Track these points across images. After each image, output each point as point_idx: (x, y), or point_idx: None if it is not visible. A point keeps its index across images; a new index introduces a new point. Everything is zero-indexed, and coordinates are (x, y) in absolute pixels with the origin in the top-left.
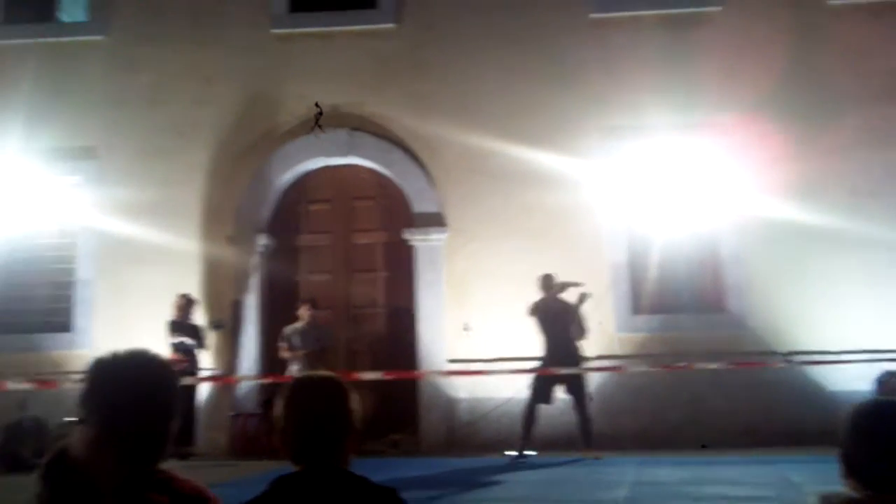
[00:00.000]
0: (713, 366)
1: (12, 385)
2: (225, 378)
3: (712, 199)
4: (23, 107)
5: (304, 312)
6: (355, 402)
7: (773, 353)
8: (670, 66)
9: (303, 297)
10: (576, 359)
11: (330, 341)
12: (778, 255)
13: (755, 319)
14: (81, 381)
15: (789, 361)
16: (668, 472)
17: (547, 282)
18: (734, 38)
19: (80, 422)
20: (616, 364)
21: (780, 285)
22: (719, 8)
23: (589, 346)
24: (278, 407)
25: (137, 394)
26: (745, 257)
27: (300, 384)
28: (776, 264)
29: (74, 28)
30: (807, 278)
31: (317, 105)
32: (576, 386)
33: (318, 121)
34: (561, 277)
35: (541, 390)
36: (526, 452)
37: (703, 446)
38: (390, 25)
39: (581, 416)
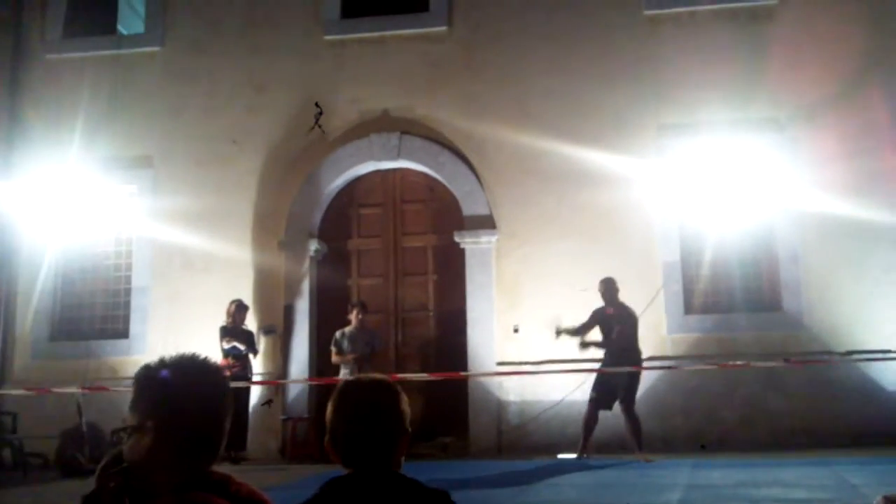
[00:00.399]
0: (771, 364)
1: (63, 389)
2: (274, 381)
3: (768, 196)
4: (82, 118)
5: (354, 316)
6: (406, 404)
7: (831, 353)
8: (727, 62)
9: (353, 301)
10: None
11: (380, 345)
12: (835, 252)
13: (812, 318)
14: (132, 387)
15: (847, 356)
16: (721, 474)
17: (607, 287)
18: (794, 32)
19: (133, 428)
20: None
21: (838, 283)
22: (777, 1)
23: (640, 347)
24: (328, 410)
25: (187, 397)
26: (801, 255)
27: (350, 387)
28: (833, 262)
29: (132, 40)
30: (865, 276)
31: (317, 105)
32: (627, 389)
33: (318, 121)
34: (617, 279)
35: (602, 397)
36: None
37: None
38: (442, 28)
39: (630, 419)
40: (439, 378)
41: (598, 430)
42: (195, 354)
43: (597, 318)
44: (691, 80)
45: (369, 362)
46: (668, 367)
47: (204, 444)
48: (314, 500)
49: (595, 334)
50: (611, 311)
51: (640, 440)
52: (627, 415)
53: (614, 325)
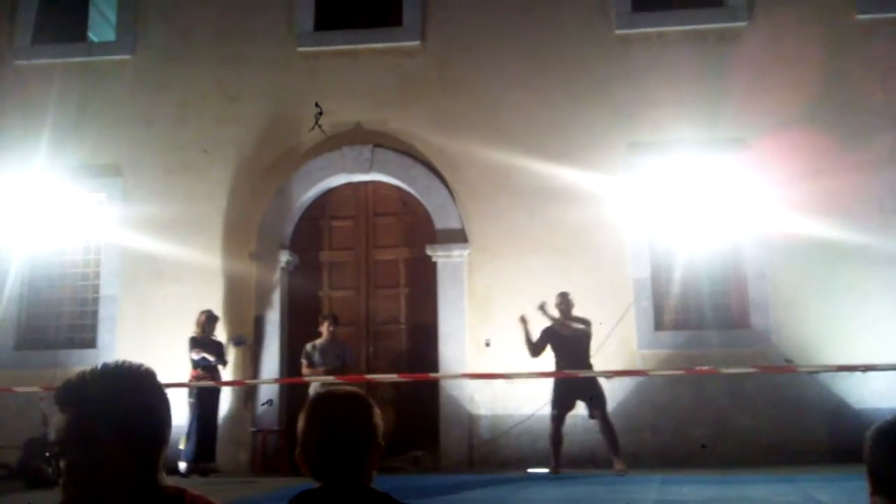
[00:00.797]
0: (739, 370)
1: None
2: (240, 381)
3: (737, 215)
4: (50, 125)
5: (325, 328)
6: (378, 417)
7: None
8: (696, 82)
9: (324, 314)
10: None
11: (351, 358)
12: (803, 271)
13: (779, 336)
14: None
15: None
16: (691, 489)
17: (562, 300)
18: (761, 53)
19: (62, 452)
20: (638, 383)
21: (806, 302)
22: (745, 24)
23: (610, 363)
24: (300, 422)
25: (119, 408)
26: (769, 273)
27: (323, 399)
28: (801, 281)
29: (102, 48)
30: (833, 295)
31: (317, 105)
32: (594, 398)
33: (318, 121)
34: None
35: (563, 412)
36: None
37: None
38: (415, 42)
39: (604, 427)
40: (409, 380)
41: (568, 445)
42: (121, 362)
43: (548, 336)
44: (661, 98)
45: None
46: (634, 373)
47: (146, 456)
48: None
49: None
50: (565, 326)
51: (616, 447)
52: (602, 423)
53: (567, 340)
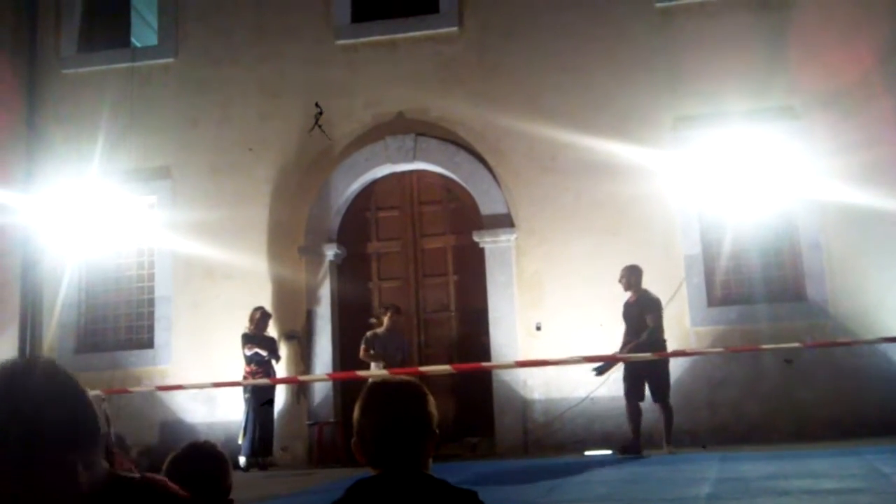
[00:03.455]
0: (794, 345)
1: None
2: (293, 379)
3: (788, 185)
4: (100, 130)
5: (386, 319)
6: (433, 406)
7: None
8: (742, 52)
9: (385, 304)
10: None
11: (407, 351)
12: (857, 240)
13: (836, 307)
14: None
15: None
16: (751, 466)
17: (628, 273)
18: (807, 18)
19: None
20: (693, 360)
21: (861, 271)
22: None
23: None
24: (356, 411)
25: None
26: (822, 243)
27: (378, 388)
28: (855, 250)
29: (145, 52)
30: (888, 263)
31: (317, 105)
32: (657, 379)
33: (318, 121)
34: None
35: (633, 388)
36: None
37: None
38: (453, 28)
39: (663, 410)
40: (463, 370)
41: (625, 425)
42: (13, 361)
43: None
44: (706, 70)
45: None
46: (690, 354)
47: (55, 456)
48: (341, 502)
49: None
50: (633, 299)
51: (670, 433)
52: (662, 406)
53: (635, 313)
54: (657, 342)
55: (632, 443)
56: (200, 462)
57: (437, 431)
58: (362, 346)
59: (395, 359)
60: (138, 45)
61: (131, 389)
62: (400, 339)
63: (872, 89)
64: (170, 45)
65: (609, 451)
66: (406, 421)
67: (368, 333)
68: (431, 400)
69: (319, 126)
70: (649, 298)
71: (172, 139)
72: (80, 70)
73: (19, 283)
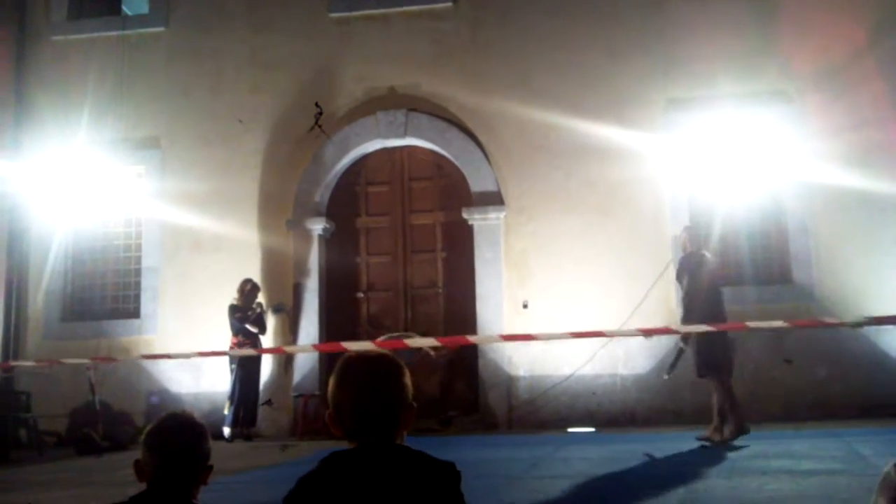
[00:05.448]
0: (780, 323)
1: (72, 360)
2: (280, 349)
3: (778, 169)
4: (89, 98)
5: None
6: (408, 378)
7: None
8: (735, 35)
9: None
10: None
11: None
12: (844, 224)
13: (822, 290)
14: None
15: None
16: (732, 446)
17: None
18: (803, 1)
19: None
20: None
21: (847, 255)
22: None
23: (649, 321)
24: (331, 384)
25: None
26: (810, 227)
27: (352, 361)
28: (843, 233)
29: (137, 21)
30: (875, 247)
31: (317, 105)
32: (700, 355)
33: (318, 121)
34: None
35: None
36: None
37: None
38: (447, 4)
39: (718, 390)
40: (446, 343)
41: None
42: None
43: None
44: (699, 53)
45: None
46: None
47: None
48: (314, 474)
49: None
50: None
51: (724, 418)
52: (714, 384)
53: (684, 275)
54: (699, 312)
55: (738, 426)
56: (177, 431)
57: (414, 404)
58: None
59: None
60: (129, 13)
61: (117, 358)
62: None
63: (865, 72)
64: (161, 13)
65: (592, 429)
66: (381, 394)
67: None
68: (406, 372)
69: (320, 126)
70: (684, 257)
71: (162, 109)
72: (70, 37)
73: (5, 251)
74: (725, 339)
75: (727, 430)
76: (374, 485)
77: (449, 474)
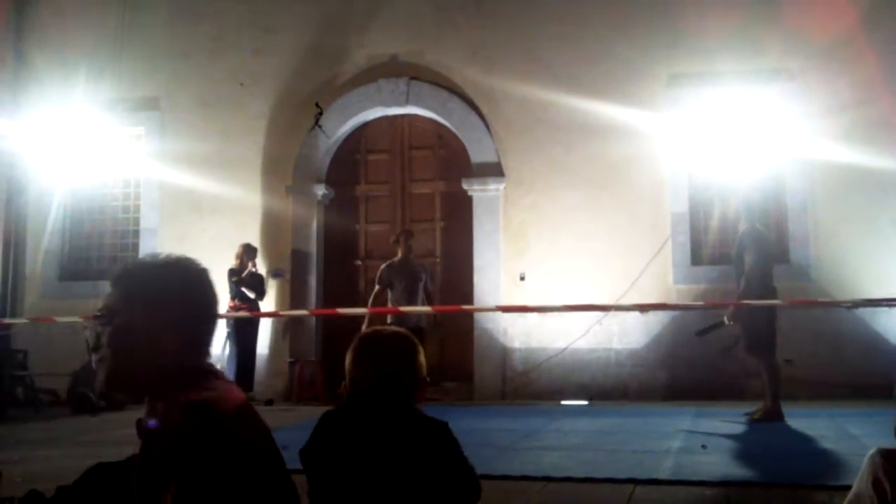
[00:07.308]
0: (776, 302)
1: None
2: (276, 313)
3: (779, 147)
4: (88, 58)
5: (400, 247)
6: (422, 355)
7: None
8: (737, 10)
9: (397, 232)
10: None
11: (430, 281)
12: (844, 204)
13: (819, 271)
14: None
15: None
16: (723, 422)
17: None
18: None
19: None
20: (672, 316)
21: (846, 236)
22: None
23: (645, 297)
24: (347, 360)
25: (155, 289)
26: (809, 207)
27: (369, 338)
28: (842, 214)
29: None
30: (873, 229)
31: (317, 105)
32: (744, 331)
33: (319, 121)
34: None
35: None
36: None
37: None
38: None
39: (763, 368)
40: (442, 312)
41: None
42: (177, 256)
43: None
44: (703, 29)
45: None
46: (672, 308)
47: (182, 338)
48: (314, 432)
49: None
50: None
51: (775, 392)
52: (761, 363)
53: (746, 251)
54: (755, 286)
55: (772, 409)
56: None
57: (428, 379)
58: (376, 286)
59: (403, 296)
60: None
61: None
62: (420, 268)
63: (868, 49)
64: None
65: (586, 402)
66: (397, 371)
67: (383, 266)
68: (421, 349)
69: (320, 126)
70: (745, 232)
71: (162, 70)
72: None
73: (3, 210)
74: (772, 318)
75: (757, 411)
76: (376, 434)
77: (441, 432)
